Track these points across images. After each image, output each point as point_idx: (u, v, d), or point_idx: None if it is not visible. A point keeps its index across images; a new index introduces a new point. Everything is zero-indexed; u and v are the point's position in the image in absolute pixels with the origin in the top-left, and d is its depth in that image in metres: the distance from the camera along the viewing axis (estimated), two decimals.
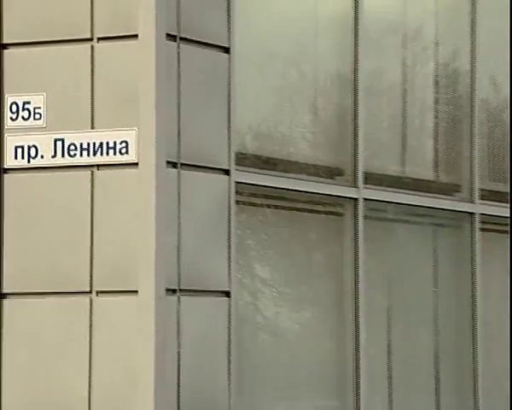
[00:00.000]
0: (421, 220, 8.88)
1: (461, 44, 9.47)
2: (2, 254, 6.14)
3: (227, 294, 6.13)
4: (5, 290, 6.08)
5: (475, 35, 9.45)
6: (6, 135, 5.97)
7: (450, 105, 9.30)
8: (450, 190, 8.99)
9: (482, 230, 8.94)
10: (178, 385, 5.81)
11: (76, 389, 5.92)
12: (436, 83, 9.19)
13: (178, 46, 5.82)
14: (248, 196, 6.69)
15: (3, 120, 6.04)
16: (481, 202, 8.98)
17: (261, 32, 7.18)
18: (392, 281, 8.45)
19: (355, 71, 7.77)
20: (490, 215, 9.10)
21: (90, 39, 5.88)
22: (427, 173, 8.90)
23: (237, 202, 6.30)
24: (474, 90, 9.23)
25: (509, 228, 9.93)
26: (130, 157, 5.68)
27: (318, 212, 7.59)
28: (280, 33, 7.44)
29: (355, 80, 7.70)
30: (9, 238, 6.11)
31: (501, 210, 9.42)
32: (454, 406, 9.69)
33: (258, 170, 6.78)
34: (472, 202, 8.95)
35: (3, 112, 6.05)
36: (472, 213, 8.89)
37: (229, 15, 6.28)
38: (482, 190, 9.01)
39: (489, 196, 9.21)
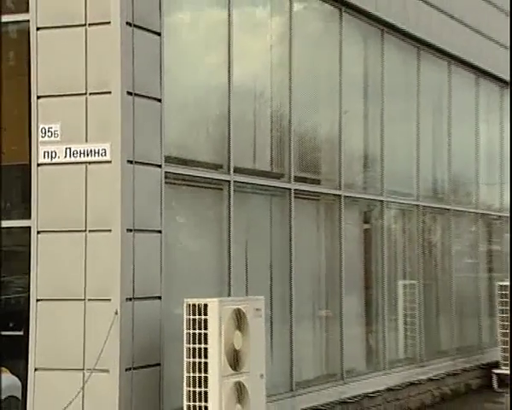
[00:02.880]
0: (265, 193, 10.39)
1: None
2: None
3: (160, 232, 8.05)
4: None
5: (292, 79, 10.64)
6: (39, 145, 7.78)
7: (278, 129, 10.71)
8: (279, 175, 10.67)
9: (296, 198, 10.52)
10: (133, 282, 7.64)
11: None
12: (271, 111, 10.75)
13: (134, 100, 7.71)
14: (171, 179, 8.38)
15: (38, 137, 7.81)
16: (295, 183, 10.57)
17: (181, 84, 8.84)
18: (249, 230, 10.01)
19: (229, 108, 9.39)
20: (300, 190, 10.75)
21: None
22: (267, 166, 10.65)
23: (166, 183, 8.17)
24: (291, 116, 10.62)
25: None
26: (107, 158, 7.59)
27: (210, 188, 9.33)
28: (193, 86, 9.18)
29: (229, 112, 9.38)
30: (41, 200, 7.78)
31: (306, 186, 11.12)
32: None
33: (177, 165, 8.59)
34: (290, 182, 10.54)
35: (38, 133, 7.80)
36: (289, 189, 10.49)
37: (161, 72, 8.11)
38: (296, 176, 10.61)
39: (299, 179, 10.76)
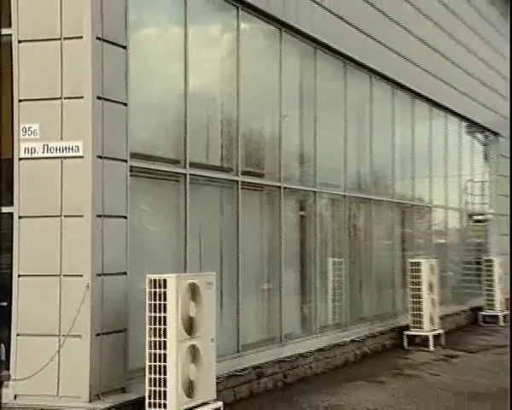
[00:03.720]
0: (216, 185, 10.26)
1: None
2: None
3: (125, 217, 8.00)
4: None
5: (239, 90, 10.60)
6: (20, 142, 7.71)
7: (227, 130, 10.53)
8: (228, 169, 10.55)
9: (242, 189, 10.41)
10: (102, 260, 7.62)
11: None
12: (221, 114, 10.68)
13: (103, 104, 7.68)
14: (135, 172, 8.30)
15: (20, 135, 7.72)
16: (242, 176, 10.46)
17: (144, 90, 8.74)
18: (202, 216, 9.88)
19: (185, 111, 9.27)
20: (246, 182, 10.63)
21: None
22: (218, 162, 10.61)
23: (131, 175, 8.10)
24: (238, 119, 10.45)
25: None
26: (79, 153, 7.59)
27: (169, 180, 9.22)
28: (154, 93, 9.06)
29: (185, 115, 9.26)
30: (23, 190, 7.72)
31: (251, 179, 10.92)
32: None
33: (140, 160, 8.48)
34: (237, 175, 10.44)
35: (19, 131, 7.71)
36: (237, 181, 10.41)
37: (126, 80, 8.03)
38: (242, 170, 10.51)
39: (245, 173, 10.64)
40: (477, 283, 20.38)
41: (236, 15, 10.50)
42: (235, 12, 10.47)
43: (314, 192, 12.81)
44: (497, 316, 19.59)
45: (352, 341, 13.24)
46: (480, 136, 22.26)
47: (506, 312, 19.77)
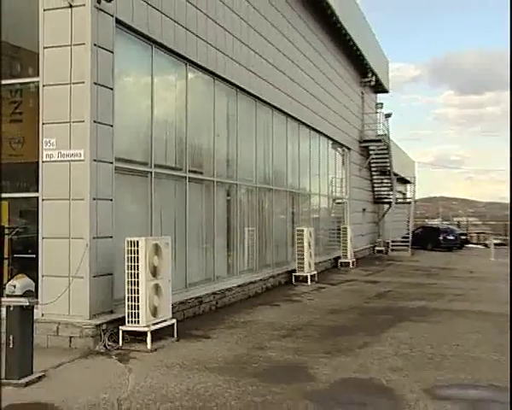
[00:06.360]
0: (171, 179, 9.91)
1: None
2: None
3: (111, 200, 7.84)
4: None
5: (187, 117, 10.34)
6: (43, 151, 7.54)
7: (179, 142, 10.16)
8: (179, 169, 10.10)
9: (189, 182, 10.22)
10: (96, 229, 7.47)
11: None
12: (175, 132, 10.14)
13: (97, 126, 7.43)
14: (118, 171, 8.07)
15: (43, 146, 7.52)
16: (189, 173, 10.22)
17: (124, 117, 8.20)
18: (162, 200, 9.49)
19: (152, 131, 9.06)
20: (192, 177, 10.36)
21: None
22: (173, 163, 10.07)
23: (115, 172, 7.91)
24: (186, 136, 10.21)
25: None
26: (82, 158, 7.40)
27: (140, 176, 8.92)
28: (131, 118, 8.59)
29: (151, 133, 9.08)
30: (44, 182, 7.53)
31: (195, 175, 10.46)
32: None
33: (121, 162, 8.21)
34: (186, 173, 10.12)
35: (43, 143, 7.53)
36: (186, 177, 10.15)
37: (113, 110, 7.78)
38: (189, 169, 10.28)
39: (191, 171, 10.34)
40: (337, 242, 20.73)
41: (185, 69, 10.38)
42: (185, 67, 10.33)
43: (236, 184, 12.77)
44: (348, 262, 20.20)
45: (260, 279, 13.29)
46: (339, 149, 22.75)
47: (354, 259, 20.35)
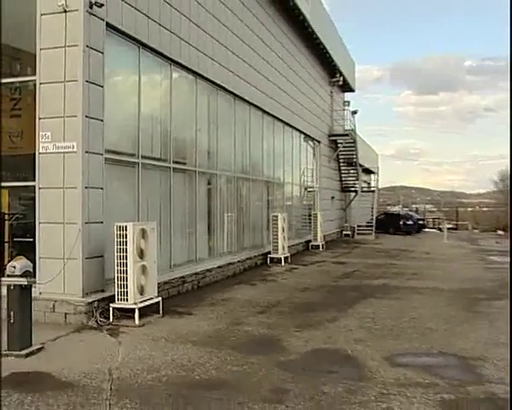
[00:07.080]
0: (157, 169, 9.77)
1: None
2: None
3: (102, 189, 7.74)
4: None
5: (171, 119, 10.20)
6: (40, 143, 7.41)
7: (164, 136, 9.99)
8: (165, 160, 9.93)
9: (173, 172, 10.14)
10: (88, 214, 7.37)
11: None
12: (160, 126, 9.91)
13: (89, 120, 7.37)
14: (108, 161, 8.00)
15: (39, 138, 7.39)
16: (173, 164, 10.17)
17: (114, 112, 8.09)
18: (149, 189, 9.41)
19: (139, 125, 8.94)
20: (176, 168, 10.27)
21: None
22: (158, 155, 9.96)
23: (105, 163, 7.82)
24: (171, 130, 10.09)
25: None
26: (74, 149, 7.30)
27: (129, 166, 8.82)
28: (120, 113, 8.49)
29: (139, 127, 8.90)
30: (41, 171, 7.36)
31: (179, 166, 10.40)
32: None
33: (111, 153, 8.12)
34: (170, 163, 10.13)
35: (39, 136, 7.40)
36: (170, 167, 10.09)
37: (103, 106, 7.66)
38: (173, 160, 10.21)
39: (175, 162, 10.25)
40: (309, 226, 20.82)
41: (170, 69, 10.27)
42: (169, 67, 10.20)
43: (216, 174, 12.71)
44: (318, 245, 20.24)
45: (238, 261, 13.28)
46: (310, 142, 22.78)
47: (323, 242, 20.54)
